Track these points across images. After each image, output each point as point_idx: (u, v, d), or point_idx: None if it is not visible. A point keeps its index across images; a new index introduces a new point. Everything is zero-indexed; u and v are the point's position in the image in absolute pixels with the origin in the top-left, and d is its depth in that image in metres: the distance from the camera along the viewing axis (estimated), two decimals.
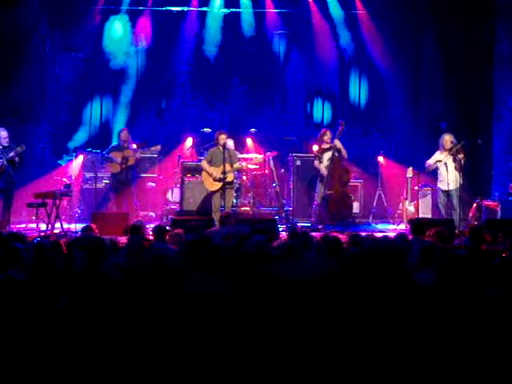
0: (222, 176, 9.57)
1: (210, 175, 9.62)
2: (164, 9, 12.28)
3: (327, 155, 10.42)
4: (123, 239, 6.84)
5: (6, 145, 9.44)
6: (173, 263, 3.63)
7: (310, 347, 2.97)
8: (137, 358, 2.95)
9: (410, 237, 6.88)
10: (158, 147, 11.19)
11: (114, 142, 11.11)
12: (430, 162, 10.03)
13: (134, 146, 10.77)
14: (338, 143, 10.40)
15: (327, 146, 10.50)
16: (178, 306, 3.11)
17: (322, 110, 12.60)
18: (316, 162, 10.54)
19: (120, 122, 12.23)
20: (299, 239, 5.84)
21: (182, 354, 2.94)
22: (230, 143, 10.22)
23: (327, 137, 10.51)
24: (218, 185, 9.62)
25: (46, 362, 2.95)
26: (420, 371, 2.97)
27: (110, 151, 10.68)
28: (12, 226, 9.46)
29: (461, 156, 9.74)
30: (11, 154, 9.29)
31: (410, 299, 3.36)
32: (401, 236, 6.64)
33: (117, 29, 12.21)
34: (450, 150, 9.83)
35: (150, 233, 7.56)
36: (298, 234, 6.50)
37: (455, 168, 9.77)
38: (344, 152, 10.45)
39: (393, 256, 4.27)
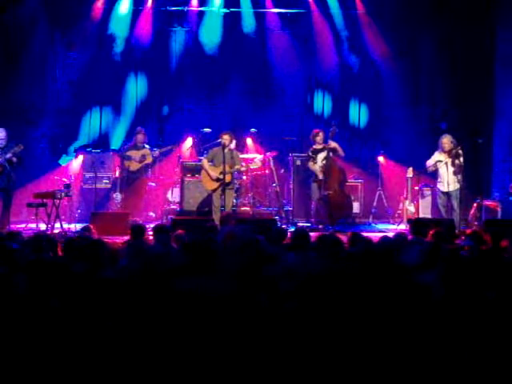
0: (220, 176, 9.54)
1: (208, 174, 9.61)
2: (164, 9, 12.26)
3: (321, 156, 10.40)
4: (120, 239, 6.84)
5: (1, 146, 9.44)
6: (171, 264, 3.62)
7: (307, 346, 2.96)
8: (133, 358, 2.94)
9: (410, 237, 6.86)
10: (176, 146, 11.32)
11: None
12: (430, 162, 10.03)
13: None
14: (332, 143, 10.36)
15: (320, 146, 10.49)
16: (176, 306, 3.09)
17: (322, 110, 12.58)
18: (310, 164, 10.50)
19: (121, 122, 12.23)
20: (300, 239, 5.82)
21: (179, 353, 2.92)
22: (232, 144, 10.17)
23: (319, 137, 10.50)
24: (216, 184, 9.59)
25: (41, 361, 2.94)
26: (415, 367, 2.96)
27: (126, 150, 10.76)
28: (12, 226, 9.44)
29: (459, 161, 9.74)
30: (9, 154, 9.29)
31: (406, 298, 3.34)
32: (399, 235, 6.61)
33: (117, 28, 12.20)
34: (449, 152, 9.84)
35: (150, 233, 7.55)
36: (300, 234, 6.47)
37: (454, 172, 9.78)
38: (340, 151, 10.42)
39: (387, 255, 4.26)
